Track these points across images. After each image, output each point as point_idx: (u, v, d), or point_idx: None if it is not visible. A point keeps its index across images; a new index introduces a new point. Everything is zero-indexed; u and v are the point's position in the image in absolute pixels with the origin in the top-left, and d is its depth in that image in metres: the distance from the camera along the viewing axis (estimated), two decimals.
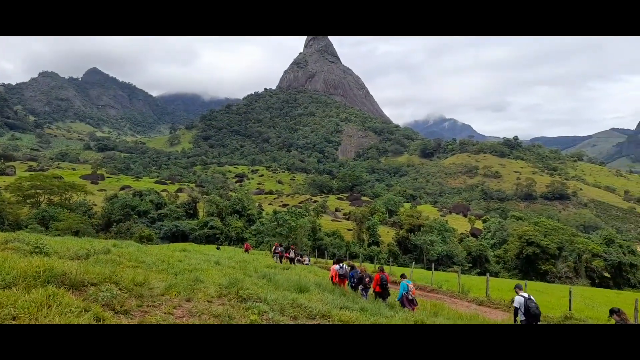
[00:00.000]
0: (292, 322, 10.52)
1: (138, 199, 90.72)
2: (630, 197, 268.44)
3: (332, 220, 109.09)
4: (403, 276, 16.81)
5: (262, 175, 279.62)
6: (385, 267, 42.35)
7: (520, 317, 12.35)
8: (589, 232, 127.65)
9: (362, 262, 54.57)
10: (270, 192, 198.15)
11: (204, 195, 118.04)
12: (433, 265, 46.92)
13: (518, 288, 13.22)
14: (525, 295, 12.56)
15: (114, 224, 77.95)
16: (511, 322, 13.87)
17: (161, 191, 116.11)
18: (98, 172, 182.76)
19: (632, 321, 10.45)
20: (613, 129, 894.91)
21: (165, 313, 8.88)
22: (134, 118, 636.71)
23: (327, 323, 11.23)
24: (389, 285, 16.97)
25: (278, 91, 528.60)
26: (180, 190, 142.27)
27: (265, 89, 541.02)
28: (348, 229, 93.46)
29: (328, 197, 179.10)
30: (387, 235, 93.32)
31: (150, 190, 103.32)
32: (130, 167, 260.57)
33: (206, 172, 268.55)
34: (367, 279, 17.52)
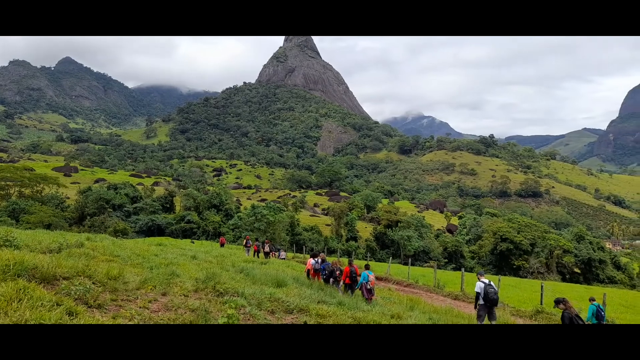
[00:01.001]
0: (270, 316, 10.51)
1: (113, 192, 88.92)
2: (600, 195, 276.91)
3: (310, 216, 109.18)
4: (367, 267, 17.24)
5: (241, 169, 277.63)
6: (362, 262, 42.62)
7: (480, 302, 13.05)
8: (561, 229, 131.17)
9: (340, 257, 54.84)
10: (249, 187, 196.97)
11: (181, 189, 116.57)
12: (410, 260, 47.50)
13: (480, 274, 13.74)
14: (486, 281, 13.18)
15: (88, 217, 76.26)
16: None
17: (137, 184, 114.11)
18: (71, 165, 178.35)
19: (575, 310, 10.99)
20: (585, 129, 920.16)
21: (140, 307, 8.75)
22: (108, 109, 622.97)
23: (327, 323, 11.25)
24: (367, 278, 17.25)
25: (257, 85, 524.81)
26: (156, 183, 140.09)
27: (245, 82, 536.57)
28: (326, 224, 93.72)
29: (307, 192, 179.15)
30: (365, 230, 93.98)
31: (126, 184, 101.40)
32: (105, 159, 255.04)
33: (183, 165, 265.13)
34: (337, 272, 17.86)
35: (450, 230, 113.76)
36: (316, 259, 19.80)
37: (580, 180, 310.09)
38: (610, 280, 75.26)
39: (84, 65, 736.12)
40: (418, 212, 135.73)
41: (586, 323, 15.02)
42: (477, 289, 13.21)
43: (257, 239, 40.24)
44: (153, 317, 8.09)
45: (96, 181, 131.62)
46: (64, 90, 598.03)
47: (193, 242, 49.99)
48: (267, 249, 34.51)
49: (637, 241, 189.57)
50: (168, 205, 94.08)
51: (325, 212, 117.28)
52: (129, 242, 27.47)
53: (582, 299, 30.06)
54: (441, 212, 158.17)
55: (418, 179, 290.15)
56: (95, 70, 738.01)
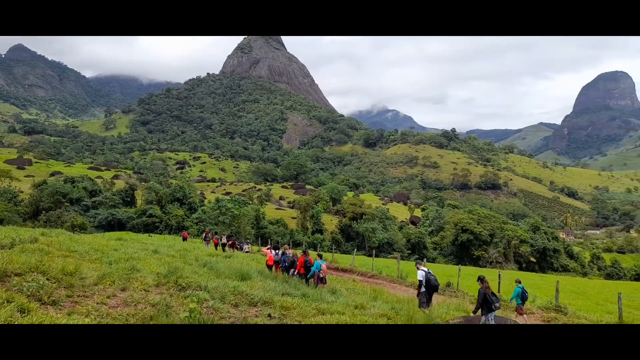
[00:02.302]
0: (233, 309, 10.43)
1: (70, 185, 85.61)
2: (554, 188, 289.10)
3: (276, 209, 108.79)
4: (320, 256, 17.99)
5: (205, 162, 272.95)
6: (328, 255, 42.95)
7: (422, 289, 13.76)
8: (518, 220, 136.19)
9: (306, 249, 55.00)
10: (213, 180, 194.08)
11: (143, 183, 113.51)
12: (374, 252, 48.17)
13: (418, 264, 14.37)
14: (425, 269, 13.85)
15: (43, 212, 73.21)
16: (450, 302, 14.60)
17: (95, 178, 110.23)
18: (25, 157, 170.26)
19: (492, 289, 11.81)
20: (541, 124, 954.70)
21: (98, 303, 8.50)
22: (64, 100, 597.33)
23: (326, 323, 11.24)
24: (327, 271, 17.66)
25: (221, 76, 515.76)
26: (116, 177, 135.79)
27: (208, 73, 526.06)
28: (292, 217, 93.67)
29: (272, 185, 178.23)
30: (331, 223, 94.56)
31: (84, 177, 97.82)
32: (61, 152, 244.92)
33: (145, 158, 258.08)
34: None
35: (413, 222, 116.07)
36: (276, 251, 20.21)
37: (537, 173, 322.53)
38: (563, 268, 78.90)
39: (38, 53, 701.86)
40: (382, 204, 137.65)
41: (510, 301, 16.78)
42: (419, 277, 13.87)
43: (216, 232, 40.15)
44: (111, 313, 7.89)
45: (52, 174, 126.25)
46: (15, 79, 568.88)
47: (151, 236, 48.80)
48: (224, 240, 34.69)
49: (589, 231, 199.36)
50: (129, 199, 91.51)
51: (291, 205, 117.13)
52: (87, 237, 26.60)
53: (537, 287, 31.38)
54: (405, 204, 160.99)
55: (382, 172, 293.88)
56: (49, 59, 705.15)
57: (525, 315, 15.84)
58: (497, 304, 11.63)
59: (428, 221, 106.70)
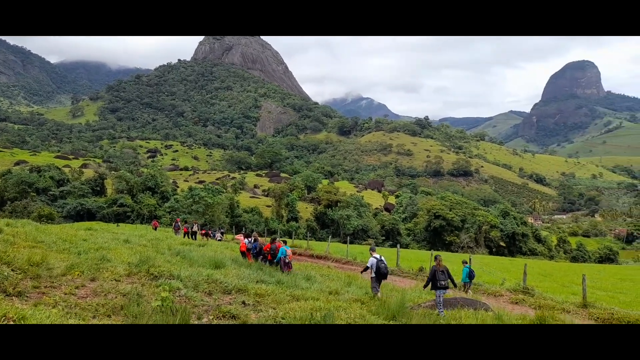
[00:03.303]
0: (207, 298, 10.35)
1: (36, 175, 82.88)
2: (523, 174, 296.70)
3: (250, 197, 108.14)
4: (284, 242, 18.76)
5: (177, 150, 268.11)
6: (303, 242, 43.04)
7: (372, 275, 14.08)
8: (489, 205, 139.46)
9: (274, 237, 54.99)
10: (186, 169, 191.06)
11: (113, 172, 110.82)
12: (349, 238, 48.54)
13: (372, 250, 14.78)
14: (378, 256, 14.21)
15: (8, 202, 70.72)
16: (427, 291, 14.89)
17: (63, 167, 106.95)
18: None
19: (444, 267, 12.59)
20: (511, 112, 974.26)
21: (66, 294, 8.29)
22: (29, 86, 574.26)
23: (328, 323, 11.22)
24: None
25: (193, 63, 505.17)
26: (85, 165, 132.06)
27: (179, 60, 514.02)
28: (267, 206, 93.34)
29: (247, 173, 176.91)
30: (306, 211, 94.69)
31: (51, 166, 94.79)
32: (26, 140, 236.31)
33: (114, 146, 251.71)
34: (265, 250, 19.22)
35: (387, 209, 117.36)
36: (249, 239, 20.58)
37: (507, 160, 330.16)
38: (531, 252, 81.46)
39: None
40: (357, 192, 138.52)
41: (462, 282, 18.27)
42: (369, 264, 14.19)
43: (185, 221, 40.02)
44: (80, 303, 7.71)
45: (16, 163, 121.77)
46: None
47: (118, 226, 47.79)
48: (195, 228, 34.67)
49: (556, 216, 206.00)
50: (99, 189, 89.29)
51: (266, 193, 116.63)
52: (54, 228, 25.85)
53: (506, 270, 32.32)
54: (379, 191, 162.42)
55: (357, 160, 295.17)
56: (12, 44, 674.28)
57: (470, 292, 17.76)
58: (442, 282, 12.58)
59: (402, 208, 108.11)
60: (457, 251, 71.72)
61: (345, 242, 48.58)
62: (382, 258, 14.31)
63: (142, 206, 76.24)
